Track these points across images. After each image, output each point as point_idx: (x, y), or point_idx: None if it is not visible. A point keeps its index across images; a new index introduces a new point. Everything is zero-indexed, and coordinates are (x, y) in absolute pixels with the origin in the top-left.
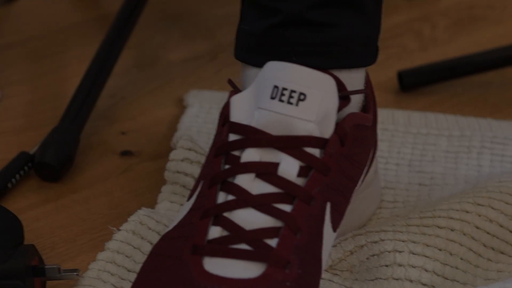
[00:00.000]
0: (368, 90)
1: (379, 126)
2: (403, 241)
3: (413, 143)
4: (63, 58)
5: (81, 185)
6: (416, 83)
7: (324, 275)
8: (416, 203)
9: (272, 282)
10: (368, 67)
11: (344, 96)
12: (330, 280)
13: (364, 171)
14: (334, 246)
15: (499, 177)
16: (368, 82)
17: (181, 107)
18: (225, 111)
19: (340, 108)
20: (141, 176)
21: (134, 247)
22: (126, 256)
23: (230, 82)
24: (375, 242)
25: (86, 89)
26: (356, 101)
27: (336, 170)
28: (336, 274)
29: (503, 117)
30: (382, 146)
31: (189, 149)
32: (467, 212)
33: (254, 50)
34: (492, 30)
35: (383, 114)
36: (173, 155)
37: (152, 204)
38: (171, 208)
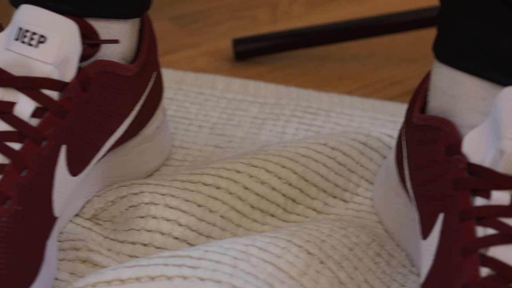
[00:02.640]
0: (142, 42)
1: (194, 90)
2: (162, 195)
3: (224, 108)
4: None
5: None
6: (249, 52)
7: (85, 223)
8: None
9: None
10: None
11: (93, 44)
12: (89, 229)
13: (126, 122)
14: (98, 196)
15: (285, 142)
16: (147, 35)
17: None
18: None
19: (88, 55)
20: None
21: None
22: None
23: None
24: (136, 193)
25: None
26: (115, 51)
27: (76, 114)
28: (98, 224)
29: (329, 90)
30: (191, 108)
31: None
32: (238, 172)
33: None
34: (349, 8)
35: (203, 79)
36: None
37: None
38: None
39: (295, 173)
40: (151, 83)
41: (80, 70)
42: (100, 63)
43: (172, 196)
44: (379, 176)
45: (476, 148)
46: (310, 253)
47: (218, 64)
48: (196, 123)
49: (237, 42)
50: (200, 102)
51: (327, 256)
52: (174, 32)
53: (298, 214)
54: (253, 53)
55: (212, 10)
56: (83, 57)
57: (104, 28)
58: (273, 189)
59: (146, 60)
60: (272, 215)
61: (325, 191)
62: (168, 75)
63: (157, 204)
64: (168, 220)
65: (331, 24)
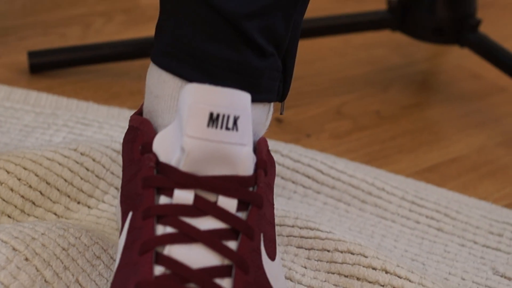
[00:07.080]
0: None
1: None
2: None
3: None
4: None
5: None
6: (42, 65)
7: None
8: None
9: None
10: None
11: None
12: None
13: None
14: None
15: (37, 145)
16: None
17: None
18: None
19: None
20: None
21: None
22: None
23: None
24: None
25: None
26: None
27: None
28: None
29: (116, 104)
30: None
31: None
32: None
33: None
34: None
35: None
36: None
37: None
38: None
39: (37, 175)
40: None
41: None
42: None
43: None
44: None
45: (166, 146)
46: (15, 249)
47: (11, 76)
48: None
49: (31, 55)
50: None
51: (34, 253)
52: None
53: (36, 217)
54: (47, 66)
55: (26, 25)
56: None
57: None
58: (11, 190)
59: None
60: (9, 216)
61: (68, 196)
62: None
63: None
64: None
65: (128, 40)
